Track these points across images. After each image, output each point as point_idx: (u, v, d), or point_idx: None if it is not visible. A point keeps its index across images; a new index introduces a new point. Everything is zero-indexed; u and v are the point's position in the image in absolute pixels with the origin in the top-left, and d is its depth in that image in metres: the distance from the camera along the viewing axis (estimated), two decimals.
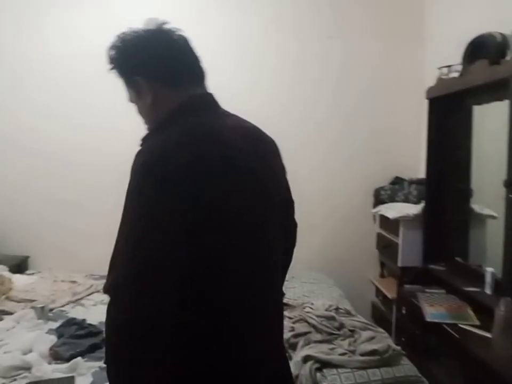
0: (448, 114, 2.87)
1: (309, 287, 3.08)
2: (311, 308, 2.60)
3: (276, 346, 1.24)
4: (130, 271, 0.95)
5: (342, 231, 3.63)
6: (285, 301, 2.70)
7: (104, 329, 2.44)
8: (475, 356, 2.00)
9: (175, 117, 1.11)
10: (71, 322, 2.48)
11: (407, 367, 2.07)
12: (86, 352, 2.19)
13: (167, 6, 3.35)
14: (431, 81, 2.94)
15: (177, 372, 1.02)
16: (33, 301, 2.73)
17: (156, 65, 1.14)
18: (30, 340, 2.25)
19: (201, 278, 1.01)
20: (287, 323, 2.43)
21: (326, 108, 3.61)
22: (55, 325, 2.51)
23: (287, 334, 2.32)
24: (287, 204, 1.33)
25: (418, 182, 3.24)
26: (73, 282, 3.16)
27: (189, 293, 0.99)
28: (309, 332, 2.32)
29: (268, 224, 1.15)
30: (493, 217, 2.62)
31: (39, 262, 3.58)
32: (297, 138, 3.51)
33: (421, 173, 3.31)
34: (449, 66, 2.74)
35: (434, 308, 2.46)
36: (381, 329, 2.41)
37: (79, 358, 2.10)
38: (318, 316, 2.42)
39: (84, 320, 2.49)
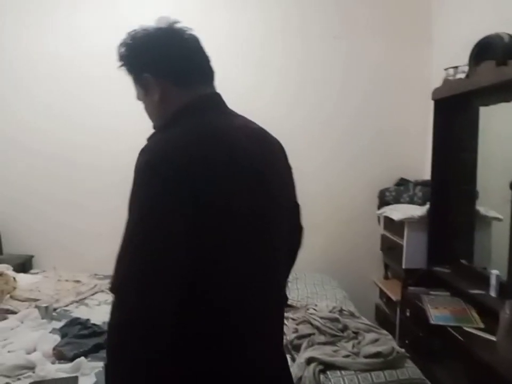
0: (454, 116, 2.85)
1: (313, 289, 3.07)
2: (314, 309, 2.59)
3: (276, 346, 1.24)
4: (132, 271, 0.95)
5: (346, 232, 3.62)
6: (288, 302, 2.70)
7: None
8: (479, 359, 1.98)
9: (182, 115, 1.12)
10: (74, 322, 2.48)
11: (411, 370, 2.07)
12: (89, 352, 2.19)
13: (174, 5, 3.34)
14: (437, 82, 2.92)
15: (177, 371, 1.02)
16: (37, 300, 2.74)
17: (165, 63, 1.14)
18: (34, 339, 2.26)
19: (201, 278, 1.00)
20: (290, 324, 2.43)
21: (331, 108, 3.60)
22: (59, 324, 2.51)
23: (290, 336, 2.32)
24: (293, 207, 1.32)
25: (423, 183, 3.23)
26: (77, 282, 3.17)
27: (190, 293, 0.99)
28: (313, 334, 2.31)
29: (272, 226, 1.14)
30: (498, 219, 2.61)
31: (43, 261, 3.59)
32: (302, 138, 3.51)
33: (426, 175, 3.30)
34: (455, 67, 2.73)
35: (439, 310, 2.45)
36: (385, 332, 2.40)
37: (82, 358, 2.10)
38: (321, 318, 2.42)
39: (88, 320, 2.49)
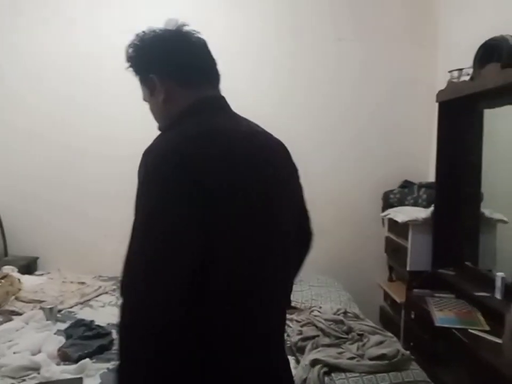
0: (459, 118, 2.85)
1: (317, 291, 3.07)
2: (319, 311, 2.59)
3: (278, 346, 1.25)
4: (142, 272, 0.96)
5: (351, 234, 3.62)
6: (292, 304, 2.70)
7: (112, 330, 2.46)
8: (485, 362, 1.98)
9: (185, 116, 1.13)
10: (79, 323, 2.48)
11: (416, 372, 2.06)
12: (94, 354, 2.20)
13: (174, 5, 3.35)
14: (442, 85, 2.92)
15: (183, 372, 1.03)
16: (42, 301, 2.74)
17: (170, 64, 1.15)
18: (38, 340, 2.26)
19: (209, 277, 1.01)
20: (295, 326, 2.43)
21: (337, 112, 3.60)
22: (63, 326, 2.52)
23: (295, 338, 2.31)
24: (301, 211, 1.32)
25: (427, 185, 3.22)
26: (82, 283, 3.17)
27: (198, 291, 1.00)
28: (317, 336, 2.31)
29: (276, 227, 1.15)
30: (503, 221, 2.60)
31: (48, 263, 3.59)
32: (307, 141, 3.50)
33: (431, 177, 3.30)
34: (460, 69, 2.73)
35: (444, 313, 2.44)
36: (390, 334, 2.39)
37: (87, 359, 2.10)
38: (326, 320, 2.41)
39: (92, 321, 2.50)
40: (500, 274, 2.36)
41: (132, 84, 1.27)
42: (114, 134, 3.48)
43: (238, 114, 1.22)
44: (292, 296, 1.41)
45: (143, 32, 1.18)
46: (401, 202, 3.32)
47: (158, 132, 1.17)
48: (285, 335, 2.28)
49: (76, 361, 2.11)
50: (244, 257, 1.07)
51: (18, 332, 2.40)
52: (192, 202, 0.97)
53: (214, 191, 1.00)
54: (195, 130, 1.07)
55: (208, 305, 1.02)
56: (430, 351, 2.52)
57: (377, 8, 3.56)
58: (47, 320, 2.55)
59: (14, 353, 2.15)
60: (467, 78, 2.64)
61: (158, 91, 1.16)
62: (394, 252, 3.30)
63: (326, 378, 2.01)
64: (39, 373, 2.01)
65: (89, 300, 2.97)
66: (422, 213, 3.00)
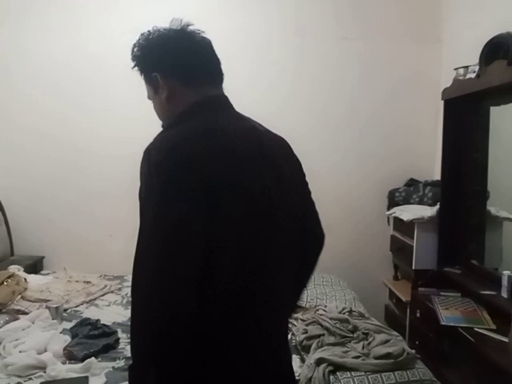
0: (465, 116, 2.83)
1: (322, 289, 3.07)
2: (324, 310, 2.58)
3: (281, 344, 1.25)
4: (152, 272, 0.97)
5: (356, 233, 3.61)
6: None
7: (118, 329, 2.47)
8: (491, 360, 1.97)
9: (187, 115, 1.14)
10: (85, 322, 2.49)
11: (421, 371, 2.05)
12: (99, 353, 2.20)
13: (174, 5, 3.36)
14: (447, 82, 2.91)
15: (190, 372, 1.04)
16: (48, 300, 2.75)
17: (173, 63, 1.16)
18: (44, 339, 2.27)
19: (215, 274, 1.02)
20: (300, 325, 2.43)
21: (341, 110, 3.59)
22: (69, 325, 2.53)
23: (300, 336, 2.31)
24: (306, 211, 1.32)
25: (433, 184, 3.21)
26: (88, 282, 3.18)
27: (203, 289, 1.00)
28: (322, 335, 2.30)
29: (275, 226, 1.15)
30: (509, 219, 2.59)
31: (54, 262, 3.60)
32: (313, 140, 3.51)
33: (436, 175, 3.28)
34: (466, 67, 2.72)
35: (449, 311, 2.44)
36: (395, 333, 2.38)
37: (92, 358, 2.11)
38: (331, 318, 2.41)
39: (98, 320, 2.50)
40: (506, 272, 2.35)
41: (138, 84, 1.28)
42: (121, 133, 3.49)
43: (241, 113, 1.22)
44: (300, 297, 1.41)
45: (148, 31, 1.19)
46: (406, 201, 3.31)
47: None
48: (290, 334, 2.28)
49: (82, 360, 2.12)
50: (245, 256, 1.07)
51: (24, 331, 2.40)
52: (196, 201, 0.98)
53: (216, 190, 1.00)
54: (197, 128, 1.07)
55: (211, 303, 1.03)
56: (436, 349, 2.51)
57: (381, 6, 3.54)
58: (53, 319, 2.55)
59: (20, 352, 2.16)
60: (473, 75, 2.63)
61: (161, 89, 1.17)
62: (400, 250, 3.29)
63: (331, 377, 2.00)
64: (45, 372, 2.02)
65: (94, 299, 2.98)
66: (427, 211, 2.99)
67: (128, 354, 1.72)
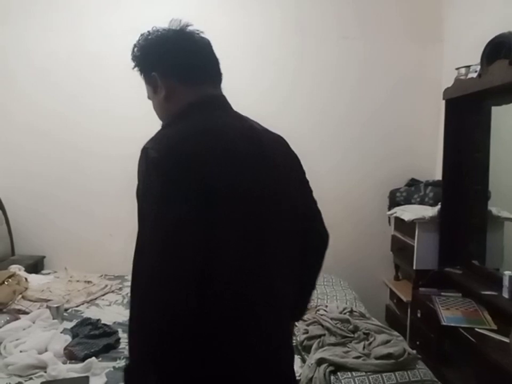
0: (466, 115, 2.83)
1: (323, 289, 3.06)
2: (325, 310, 2.58)
3: (281, 342, 1.24)
4: (150, 271, 0.97)
5: (357, 233, 3.61)
6: None
7: (118, 329, 2.46)
8: (492, 361, 1.97)
9: (185, 114, 1.14)
10: (85, 322, 2.49)
11: (422, 371, 2.05)
12: (100, 352, 2.20)
13: (174, 5, 3.37)
14: (448, 82, 2.90)
15: (190, 370, 1.04)
16: (49, 300, 2.75)
17: (172, 62, 1.18)
18: (45, 339, 2.27)
19: (212, 273, 1.02)
20: (300, 325, 2.42)
21: (342, 109, 3.58)
22: (70, 324, 2.53)
23: (301, 337, 2.31)
24: (305, 209, 1.32)
25: (434, 184, 3.21)
26: (88, 282, 3.18)
27: (201, 289, 1.00)
28: (323, 335, 2.30)
29: (270, 225, 1.15)
30: (511, 219, 2.59)
31: (54, 262, 3.61)
32: (314, 140, 3.50)
33: (438, 175, 3.28)
34: (467, 66, 2.71)
35: (450, 312, 2.43)
36: (396, 333, 2.38)
37: (93, 358, 2.11)
38: (332, 319, 2.40)
39: (99, 320, 2.50)
40: (507, 273, 2.34)
41: (139, 84, 1.28)
42: (121, 133, 3.49)
43: (238, 112, 1.23)
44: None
45: (148, 32, 1.20)
46: (407, 201, 3.31)
47: None
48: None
49: (82, 359, 2.11)
50: (245, 256, 1.08)
51: (25, 330, 2.40)
52: (195, 201, 0.98)
53: (215, 190, 1.01)
54: (196, 128, 1.08)
55: (211, 303, 1.03)
56: (437, 350, 2.51)
57: (382, 5, 3.54)
58: (54, 319, 2.55)
59: (21, 351, 2.15)
60: (474, 75, 2.62)
61: (160, 89, 1.18)
62: (401, 250, 3.29)
63: (332, 378, 2.00)
64: (45, 372, 2.01)
65: (95, 299, 2.98)
66: (428, 211, 2.98)
67: None
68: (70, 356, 2.17)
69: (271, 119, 1.26)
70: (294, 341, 2.29)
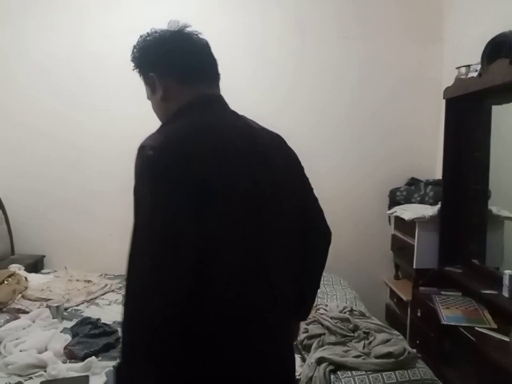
0: (466, 115, 2.83)
1: (323, 288, 3.06)
2: (325, 309, 2.58)
3: (282, 340, 1.24)
4: (142, 266, 0.97)
5: (357, 232, 3.60)
6: None
7: (118, 328, 2.46)
8: (492, 360, 1.97)
9: (182, 113, 1.15)
10: (85, 321, 2.49)
11: (422, 370, 2.05)
12: (100, 352, 2.20)
13: (173, 5, 3.36)
14: (449, 81, 2.90)
15: (183, 369, 1.04)
16: (49, 299, 2.75)
17: (169, 63, 1.19)
18: (45, 338, 2.27)
19: (206, 271, 1.02)
20: (300, 324, 2.42)
21: (342, 109, 3.58)
22: (69, 324, 2.52)
23: (300, 336, 2.30)
24: (304, 208, 1.31)
25: (434, 183, 3.21)
26: (88, 281, 3.18)
27: (195, 286, 1.00)
28: (323, 334, 2.30)
29: (270, 221, 1.15)
30: (511, 219, 2.59)
31: (54, 261, 3.61)
32: (313, 140, 3.50)
33: (438, 174, 3.28)
34: (468, 66, 2.71)
35: (450, 311, 2.43)
36: (396, 332, 2.38)
37: (93, 357, 2.11)
38: (332, 318, 2.40)
39: (99, 319, 2.50)
40: (507, 272, 2.34)
41: (139, 83, 1.29)
42: (122, 133, 3.48)
43: (235, 112, 1.23)
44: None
45: (147, 33, 1.22)
46: (407, 200, 3.31)
47: None
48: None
49: (82, 359, 2.11)
50: (242, 255, 1.08)
51: (25, 330, 2.40)
52: (188, 199, 0.99)
53: (210, 190, 1.01)
54: (191, 127, 1.09)
55: (211, 303, 1.03)
56: (437, 349, 2.51)
57: (382, 5, 3.53)
58: (54, 318, 2.55)
59: (21, 351, 2.15)
60: (475, 74, 2.62)
61: (158, 89, 1.19)
62: (401, 249, 3.29)
63: (332, 377, 2.00)
64: (45, 371, 2.01)
65: (95, 298, 2.99)
66: (428, 211, 2.98)
67: None
68: (70, 355, 2.17)
69: (271, 119, 1.26)
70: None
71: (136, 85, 1.36)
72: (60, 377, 1.96)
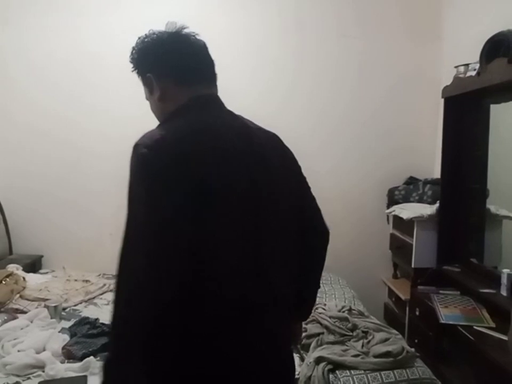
0: (465, 114, 2.83)
1: (322, 288, 3.06)
2: (323, 308, 2.58)
3: (281, 340, 1.24)
4: (133, 265, 0.97)
5: (356, 231, 3.60)
6: None
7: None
8: (490, 359, 1.97)
9: (178, 113, 1.16)
10: (83, 321, 2.49)
11: (421, 369, 2.05)
12: (98, 352, 2.19)
13: (173, 5, 3.36)
14: (447, 80, 2.90)
15: (178, 369, 1.04)
16: (47, 299, 2.74)
17: (166, 64, 1.19)
18: (43, 338, 2.26)
19: (200, 272, 1.02)
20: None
21: (342, 109, 3.58)
22: (68, 324, 2.52)
23: None
24: (301, 207, 1.31)
25: (433, 182, 3.21)
26: (86, 281, 3.17)
27: (190, 286, 1.00)
28: (322, 333, 2.30)
29: (266, 220, 1.15)
30: (509, 218, 2.59)
31: (52, 261, 3.60)
32: (312, 139, 3.50)
33: (436, 173, 3.28)
34: (466, 65, 2.71)
35: (449, 310, 2.43)
36: (395, 331, 2.38)
37: (91, 357, 2.10)
38: (330, 317, 2.40)
39: (97, 319, 2.50)
40: (505, 271, 2.34)
41: (138, 84, 1.29)
42: (121, 133, 3.45)
43: (232, 111, 1.24)
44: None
45: (145, 35, 1.23)
46: (406, 199, 3.31)
47: None
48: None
49: (80, 359, 2.11)
50: (241, 255, 1.08)
51: (23, 330, 2.40)
52: (187, 199, 0.98)
53: (212, 189, 1.01)
54: (188, 127, 1.09)
55: (210, 303, 1.03)
56: (435, 348, 2.51)
57: (381, 4, 3.53)
58: (52, 318, 2.55)
59: (19, 351, 2.15)
60: (473, 73, 2.62)
61: (155, 90, 1.20)
62: (399, 248, 3.29)
63: (331, 376, 2.00)
64: (43, 371, 2.01)
65: (93, 298, 2.98)
66: (427, 210, 2.98)
67: None
68: (68, 355, 2.17)
69: (270, 118, 1.26)
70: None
71: (135, 85, 1.36)
72: (58, 377, 1.96)
